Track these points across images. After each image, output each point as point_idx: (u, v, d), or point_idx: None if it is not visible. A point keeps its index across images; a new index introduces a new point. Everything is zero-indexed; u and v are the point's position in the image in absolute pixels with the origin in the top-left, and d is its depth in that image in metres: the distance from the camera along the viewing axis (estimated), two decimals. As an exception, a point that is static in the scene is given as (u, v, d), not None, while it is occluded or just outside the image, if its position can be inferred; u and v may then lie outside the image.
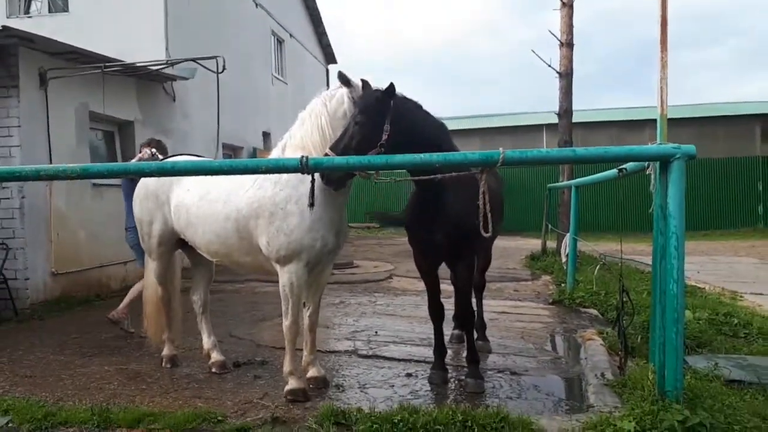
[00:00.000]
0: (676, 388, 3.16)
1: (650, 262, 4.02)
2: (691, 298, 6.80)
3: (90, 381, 4.50)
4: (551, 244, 12.23)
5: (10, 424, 3.56)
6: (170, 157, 5.15)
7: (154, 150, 5.92)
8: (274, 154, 4.11)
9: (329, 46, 21.39)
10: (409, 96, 3.89)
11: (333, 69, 22.19)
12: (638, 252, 11.15)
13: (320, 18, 20.15)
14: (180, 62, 8.25)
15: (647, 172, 3.58)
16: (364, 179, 3.74)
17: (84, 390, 4.30)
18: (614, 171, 4.26)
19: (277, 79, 16.59)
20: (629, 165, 3.94)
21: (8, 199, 7.11)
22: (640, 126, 23.99)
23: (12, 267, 7.10)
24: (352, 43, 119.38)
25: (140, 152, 6.07)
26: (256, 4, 14.82)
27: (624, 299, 4.16)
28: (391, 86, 3.69)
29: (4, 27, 6.49)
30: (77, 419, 3.57)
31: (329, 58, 21.89)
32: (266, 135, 15.42)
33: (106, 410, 3.63)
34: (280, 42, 16.96)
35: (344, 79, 3.93)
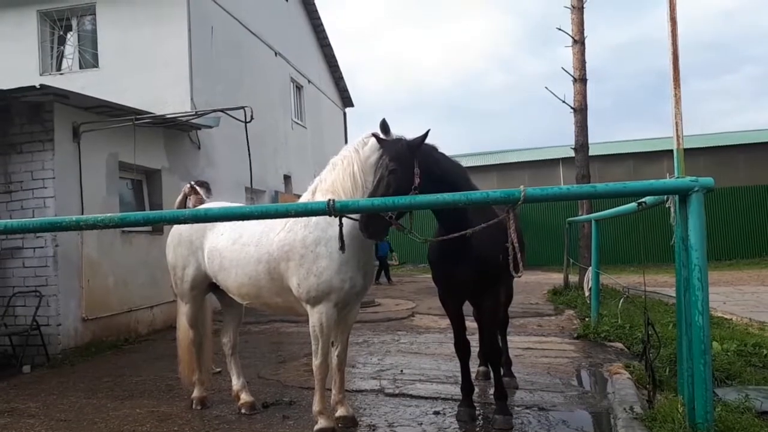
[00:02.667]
0: (706, 420, 3.15)
1: (674, 294, 4.03)
2: (718, 330, 6.72)
3: (123, 424, 4.58)
4: (573, 278, 12.16)
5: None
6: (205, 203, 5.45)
7: (192, 183, 6.40)
8: (304, 198, 4.19)
9: (346, 90, 21.94)
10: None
11: (349, 112, 22.80)
12: (661, 283, 11.04)
13: (337, 64, 20.74)
14: (209, 113, 8.54)
15: (666, 205, 3.62)
16: (399, 231, 3.79)
17: (118, 433, 4.38)
18: (634, 204, 4.30)
19: (297, 123, 17.02)
20: (648, 198, 3.98)
21: (43, 248, 7.34)
22: (658, 156, 23.97)
23: (45, 314, 7.27)
24: (363, 81, 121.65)
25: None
26: (276, 53, 15.35)
27: (649, 332, 4.16)
28: (427, 134, 3.74)
29: (42, 85, 6.82)
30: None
31: (346, 101, 22.43)
32: (287, 178, 15.76)
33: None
34: (299, 88, 17.47)
35: (385, 128, 3.85)
